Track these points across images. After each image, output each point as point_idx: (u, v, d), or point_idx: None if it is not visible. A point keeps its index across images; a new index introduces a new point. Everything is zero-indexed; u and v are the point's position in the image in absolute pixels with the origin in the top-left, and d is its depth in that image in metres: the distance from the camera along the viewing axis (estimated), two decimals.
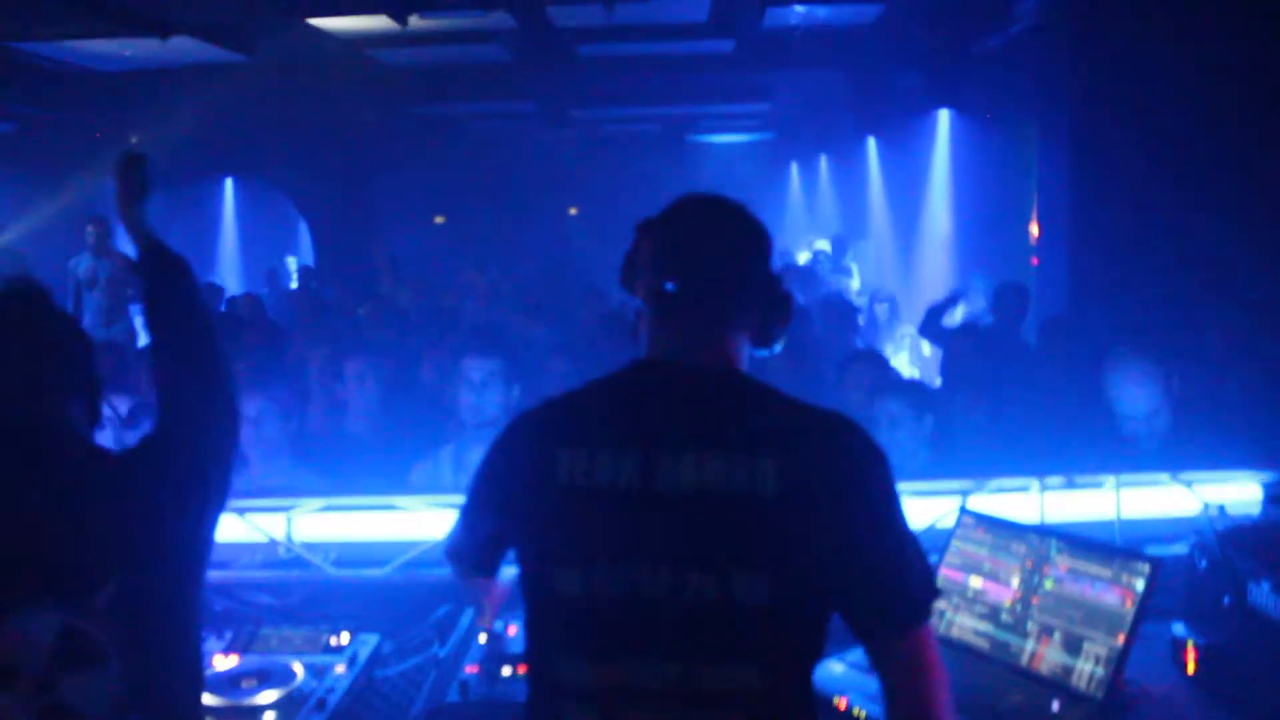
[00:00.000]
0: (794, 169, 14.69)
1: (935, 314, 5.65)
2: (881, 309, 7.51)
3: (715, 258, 1.50)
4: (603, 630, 1.40)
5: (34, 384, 1.60)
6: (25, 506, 1.51)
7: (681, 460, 1.38)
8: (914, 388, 3.65)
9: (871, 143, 10.93)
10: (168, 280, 1.75)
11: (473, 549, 1.66)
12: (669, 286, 1.48)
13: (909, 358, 6.86)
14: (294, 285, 10.05)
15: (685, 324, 1.49)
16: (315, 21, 6.02)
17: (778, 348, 1.56)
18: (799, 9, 6.41)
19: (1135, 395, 3.22)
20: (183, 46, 5.86)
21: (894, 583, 1.38)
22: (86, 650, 1.47)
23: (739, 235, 1.53)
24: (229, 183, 11.91)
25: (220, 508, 1.68)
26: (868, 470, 1.41)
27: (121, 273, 7.16)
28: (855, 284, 9.87)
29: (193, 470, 1.63)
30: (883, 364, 4.17)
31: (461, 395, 3.25)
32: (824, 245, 11.44)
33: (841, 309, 5.86)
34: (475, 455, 1.63)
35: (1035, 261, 7.09)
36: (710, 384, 1.47)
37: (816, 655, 1.43)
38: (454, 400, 3.31)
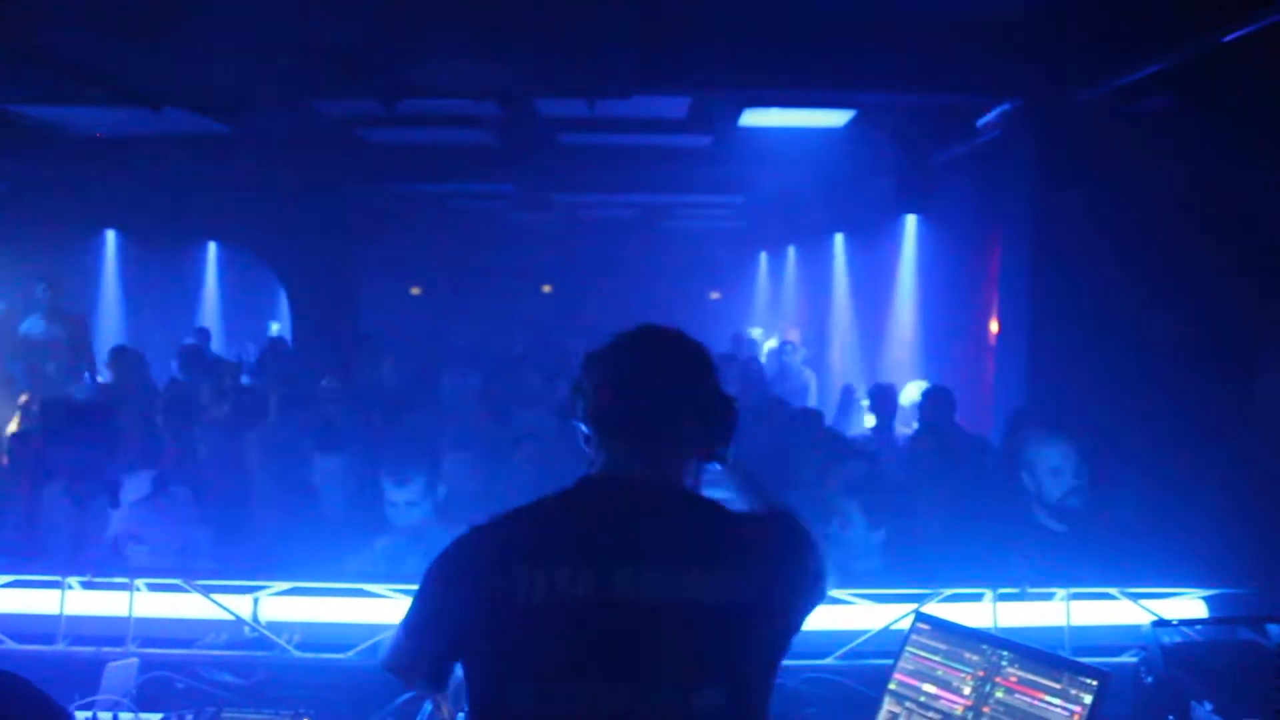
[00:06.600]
0: (763, 258, 15.03)
1: None
2: (864, 405, 7.58)
3: (654, 385, 1.60)
4: None
5: None
6: None
7: (637, 575, 1.43)
8: (879, 499, 3.53)
9: (839, 238, 11.25)
10: None
11: (423, 664, 1.59)
12: (611, 412, 1.58)
13: None
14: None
15: (630, 445, 1.58)
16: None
17: (723, 464, 1.67)
18: (775, 111, 6.71)
19: (1054, 472, 3.15)
20: (174, 116, 5.97)
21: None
22: None
23: (676, 362, 1.63)
24: (212, 246, 11.97)
25: None
26: (802, 553, 1.57)
27: (79, 336, 6.78)
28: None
29: None
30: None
31: (388, 504, 3.24)
32: (785, 335, 11.69)
33: (799, 415, 5.97)
34: (409, 553, 1.63)
35: (993, 339, 7.26)
36: (658, 500, 1.54)
37: None
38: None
